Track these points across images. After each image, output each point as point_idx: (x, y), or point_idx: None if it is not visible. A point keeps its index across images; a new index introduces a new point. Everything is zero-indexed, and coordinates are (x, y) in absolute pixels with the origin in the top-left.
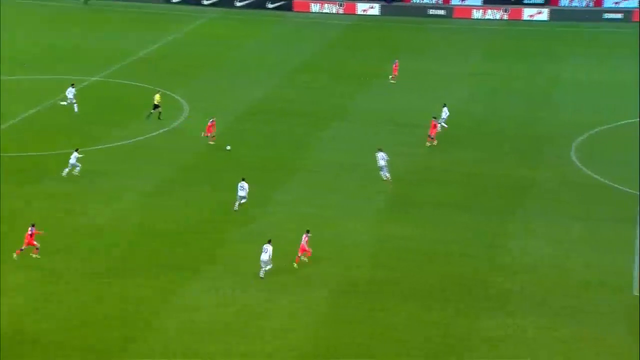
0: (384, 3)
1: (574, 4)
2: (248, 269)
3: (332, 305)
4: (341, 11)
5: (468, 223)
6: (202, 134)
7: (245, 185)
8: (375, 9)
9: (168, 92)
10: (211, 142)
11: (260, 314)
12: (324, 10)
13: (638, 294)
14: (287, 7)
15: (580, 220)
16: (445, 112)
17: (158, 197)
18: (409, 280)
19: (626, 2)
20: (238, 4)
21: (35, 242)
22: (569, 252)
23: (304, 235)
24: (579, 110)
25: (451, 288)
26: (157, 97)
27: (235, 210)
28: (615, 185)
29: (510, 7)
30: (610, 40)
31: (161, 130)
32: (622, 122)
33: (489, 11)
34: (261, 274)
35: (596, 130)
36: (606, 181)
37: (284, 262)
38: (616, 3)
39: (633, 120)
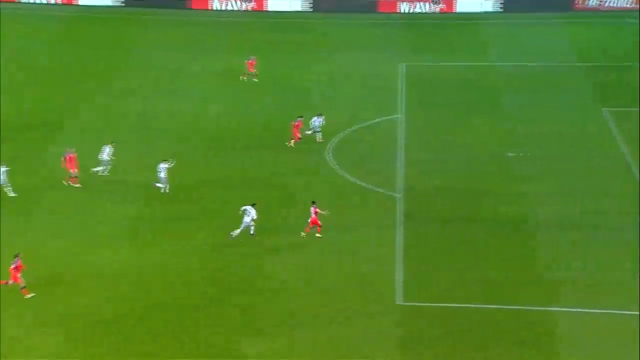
0: None
1: None
2: None
3: None
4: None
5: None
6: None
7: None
8: None
9: None
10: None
11: None
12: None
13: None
14: None
15: (343, 229)
16: (318, 121)
17: None
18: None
19: None
20: None
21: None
22: (337, 263)
23: (312, 208)
24: (337, 107)
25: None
26: None
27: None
28: (375, 189)
29: None
30: (363, 33)
31: None
32: (380, 119)
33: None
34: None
35: (353, 128)
36: (365, 184)
37: None
38: None
39: (391, 117)
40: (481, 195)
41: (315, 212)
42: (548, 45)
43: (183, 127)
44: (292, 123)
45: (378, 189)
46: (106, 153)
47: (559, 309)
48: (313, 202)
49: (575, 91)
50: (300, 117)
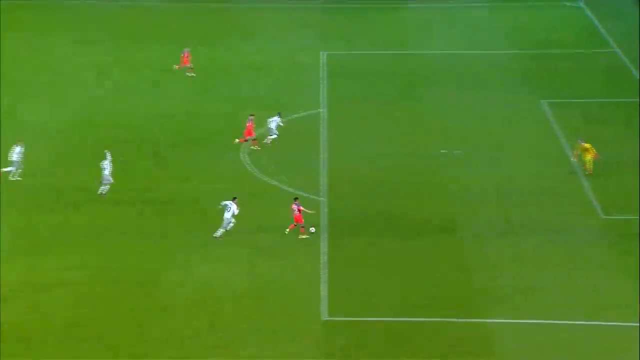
0: None
1: None
2: None
3: None
4: None
5: (128, 248)
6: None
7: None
8: None
9: None
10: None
11: None
12: None
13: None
14: None
15: (262, 237)
16: (274, 122)
17: None
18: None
19: None
20: None
21: None
22: (256, 272)
23: (295, 205)
24: (254, 101)
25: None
26: None
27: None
28: (297, 192)
29: None
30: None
31: None
32: (300, 115)
33: None
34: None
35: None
36: (285, 187)
37: None
38: None
39: (312, 112)
40: (411, 197)
41: (299, 210)
42: (478, 32)
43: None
44: (245, 122)
45: (299, 192)
46: (16, 153)
47: (498, 320)
48: (295, 199)
49: (511, 81)
50: (252, 115)
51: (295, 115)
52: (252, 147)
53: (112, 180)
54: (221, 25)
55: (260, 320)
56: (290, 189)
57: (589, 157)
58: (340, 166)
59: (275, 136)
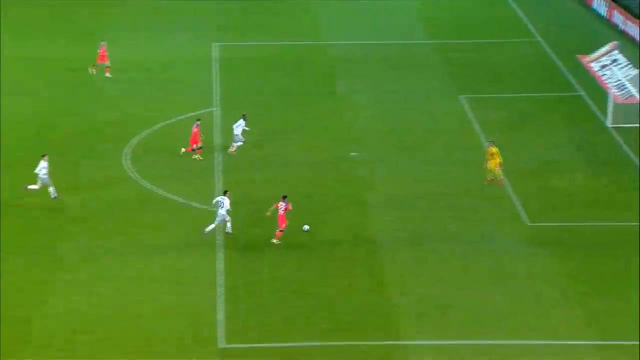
0: None
1: None
2: None
3: None
4: None
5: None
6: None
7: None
8: None
9: None
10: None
11: None
12: None
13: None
14: None
15: (151, 254)
16: (240, 126)
17: None
18: None
19: None
20: None
21: None
22: (146, 296)
23: (282, 203)
24: (138, 101)
25: None
26: None
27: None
28: (188, 203)
29: None
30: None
31: None
32: (191, 114)
33: None
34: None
35: (158, 126)
36: (174, 197)
37: None
38: None
39: (204, 111)
40: (319, 209)
41: (285, 209)
42: (392, 21)
43: None
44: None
45: (191, 203)
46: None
47: (414, 342)
48: (284, 197)
49: (427, 75)
50: (198, 120)
51: (184, 116)
52: (195, 157)
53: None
54: (101, 17)
55: (148, 347)
56: (181, 199)
57: (493, 164)
58: (228, 173)
59: (241, 143)
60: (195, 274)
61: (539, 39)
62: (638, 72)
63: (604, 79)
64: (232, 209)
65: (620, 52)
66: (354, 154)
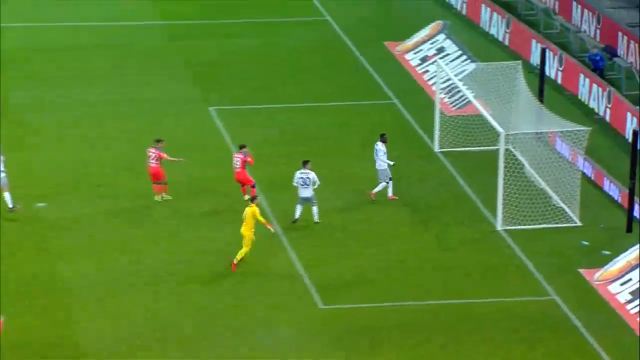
0: None
1: None
2: None
3: None
4: None
5: None
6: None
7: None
8: None
9: None
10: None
11: None
12: None
13: None
14: None
15: None
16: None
17: None
18: None
19: None
20: None
21: None
22: None
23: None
24: None
25: None
26: None
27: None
28: None
29: None
30: None
31: None
32: None
33: None
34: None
35: None
36: None
37: None
38: None
39: None
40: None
41: (245, 162)
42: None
43: None
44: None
45: None
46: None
47: None
48: (242, 146)
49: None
50: (158, 141)
51: None
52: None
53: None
54: None
55: None
56: None
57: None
58: None
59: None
60: None
61: (328, 17)
62: (476, 65)
63: (425, 78)
64: None
65: (449, 35)
66: (41, 205)
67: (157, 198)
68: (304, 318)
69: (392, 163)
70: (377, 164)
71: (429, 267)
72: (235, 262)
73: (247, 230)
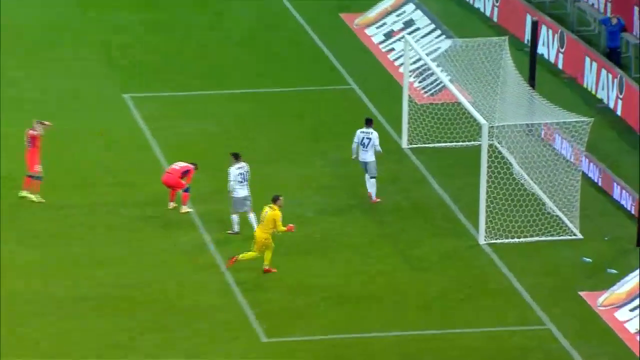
0: None
1: None
2: None
3: None
4: None
5: None
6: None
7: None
8: None
9: None
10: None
11: None
12: None
13: None
14: None
15: None
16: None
17: None
18: None
19: None
20: None
21: None
22: None
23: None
24: None
25: None
26: None
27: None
28: None
29: None
30: None
31: None
32: None
33: None
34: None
35: None
36: None
37: None
38: None
39: None
40: None
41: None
42: None
43: None
44: None
45: None
46: None
47: None
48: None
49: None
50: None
51: None
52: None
53: None
54: None
55: None
56: None
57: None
58: None
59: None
60: None
61: None
62: (452, 42)
63: (391, 58)
64: None
65: (420, 5)
66: None
67: (24, 194)
68: (243, 353)
69: (380, 150)
70: (366, 156)
71: (397, 290)
72: (235, 258)
73: (261, 233)
